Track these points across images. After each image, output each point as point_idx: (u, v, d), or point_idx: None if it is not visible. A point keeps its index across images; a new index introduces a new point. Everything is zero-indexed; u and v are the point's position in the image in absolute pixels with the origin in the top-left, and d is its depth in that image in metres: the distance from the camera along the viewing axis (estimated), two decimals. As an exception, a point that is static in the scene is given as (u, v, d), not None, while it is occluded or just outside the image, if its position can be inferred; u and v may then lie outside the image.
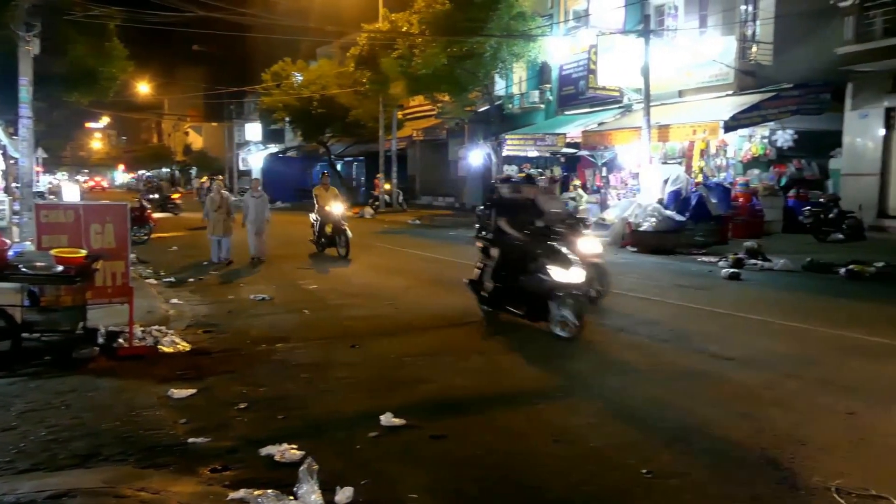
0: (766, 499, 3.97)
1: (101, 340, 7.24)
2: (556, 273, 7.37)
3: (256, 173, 47.78)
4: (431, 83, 24.52)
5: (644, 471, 4.28)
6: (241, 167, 53.52)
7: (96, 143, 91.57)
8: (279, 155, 46.96)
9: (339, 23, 31.66)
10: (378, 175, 32.06)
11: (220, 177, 10.85)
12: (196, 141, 68.07)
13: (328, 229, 15.23)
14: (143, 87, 47.69)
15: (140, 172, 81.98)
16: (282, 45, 36.92)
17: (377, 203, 30.98)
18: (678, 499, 4.02)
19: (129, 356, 6.99)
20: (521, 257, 7.86)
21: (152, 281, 12.12)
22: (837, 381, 6.05)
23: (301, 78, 36.12)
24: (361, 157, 39.84)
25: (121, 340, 7.28)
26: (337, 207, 15.19)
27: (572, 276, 7.38)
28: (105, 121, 77.86)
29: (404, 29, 23.83)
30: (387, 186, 31.56)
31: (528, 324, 7.94)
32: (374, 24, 26.93)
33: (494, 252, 8.32)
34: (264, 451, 4.57)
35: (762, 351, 7.08)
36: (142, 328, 7.75)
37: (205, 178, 50.69)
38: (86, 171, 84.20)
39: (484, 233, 8.73)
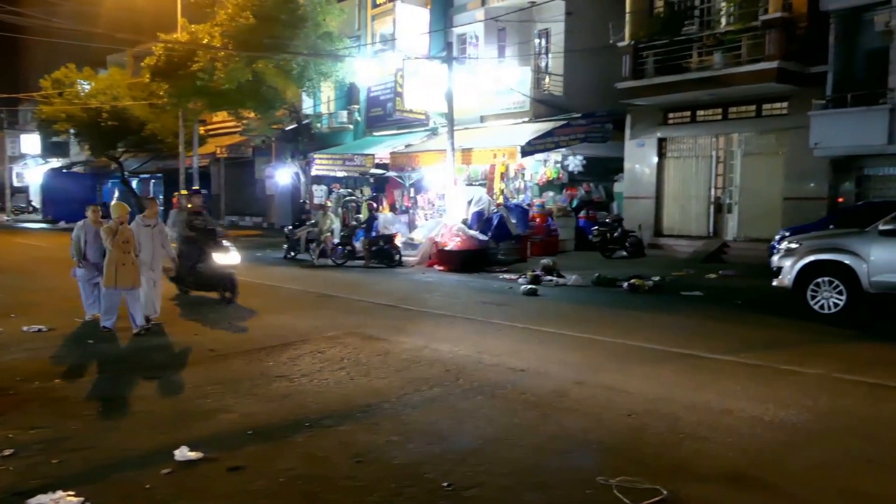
0: (558, 502, 4.22)
1: None
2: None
3: (35, 190, 43.09)
4: (235, 99, 23.66)
5: (444, 483, 4.38)
6: (16, 183, 47.99)
7: None
8: (63, 170, 42.65)
9: (133, 30, 29.53)
10: (176, 193, 30.17)
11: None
12: (-42, 152, 59.88)
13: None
14: None
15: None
16: (66, 50, 33.61)
17: (177, 223, 29.20)
18: (477, 509, 4.15)
19: None
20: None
21: None
22: (619, 386, 6.62)
23: (88, 87, 33.16)
24: (160, 174, 37.39)
25: None
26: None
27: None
28: None
29: (205, 41, 22.78)
30: (188, 205, 29.86)
31: (337, 345, 7.84)
32: (172, 34, 25.46)
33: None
34: (33, 501, 4.08)
35: (554, 361, 7.59)
36: None
37: None
38: None
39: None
